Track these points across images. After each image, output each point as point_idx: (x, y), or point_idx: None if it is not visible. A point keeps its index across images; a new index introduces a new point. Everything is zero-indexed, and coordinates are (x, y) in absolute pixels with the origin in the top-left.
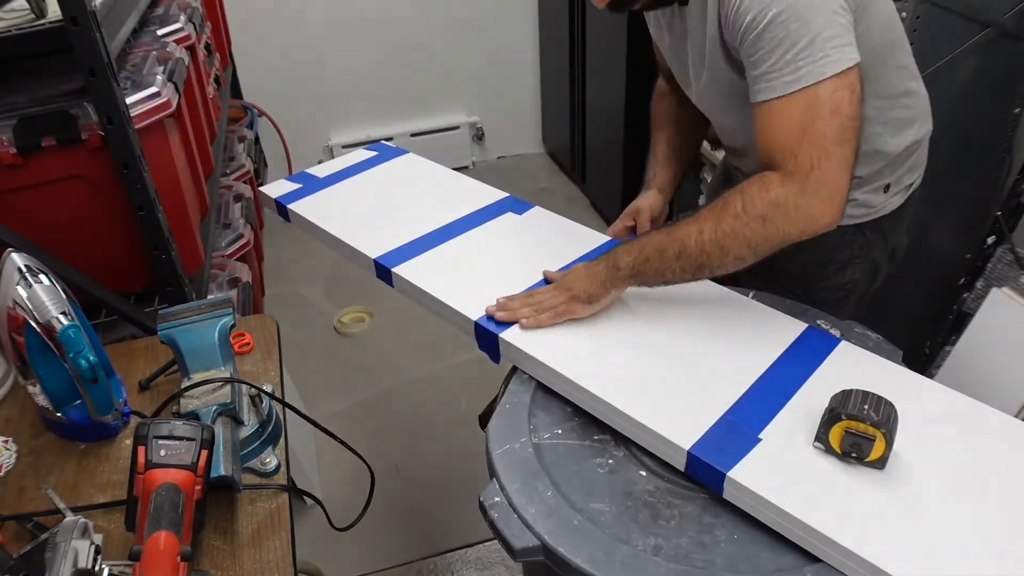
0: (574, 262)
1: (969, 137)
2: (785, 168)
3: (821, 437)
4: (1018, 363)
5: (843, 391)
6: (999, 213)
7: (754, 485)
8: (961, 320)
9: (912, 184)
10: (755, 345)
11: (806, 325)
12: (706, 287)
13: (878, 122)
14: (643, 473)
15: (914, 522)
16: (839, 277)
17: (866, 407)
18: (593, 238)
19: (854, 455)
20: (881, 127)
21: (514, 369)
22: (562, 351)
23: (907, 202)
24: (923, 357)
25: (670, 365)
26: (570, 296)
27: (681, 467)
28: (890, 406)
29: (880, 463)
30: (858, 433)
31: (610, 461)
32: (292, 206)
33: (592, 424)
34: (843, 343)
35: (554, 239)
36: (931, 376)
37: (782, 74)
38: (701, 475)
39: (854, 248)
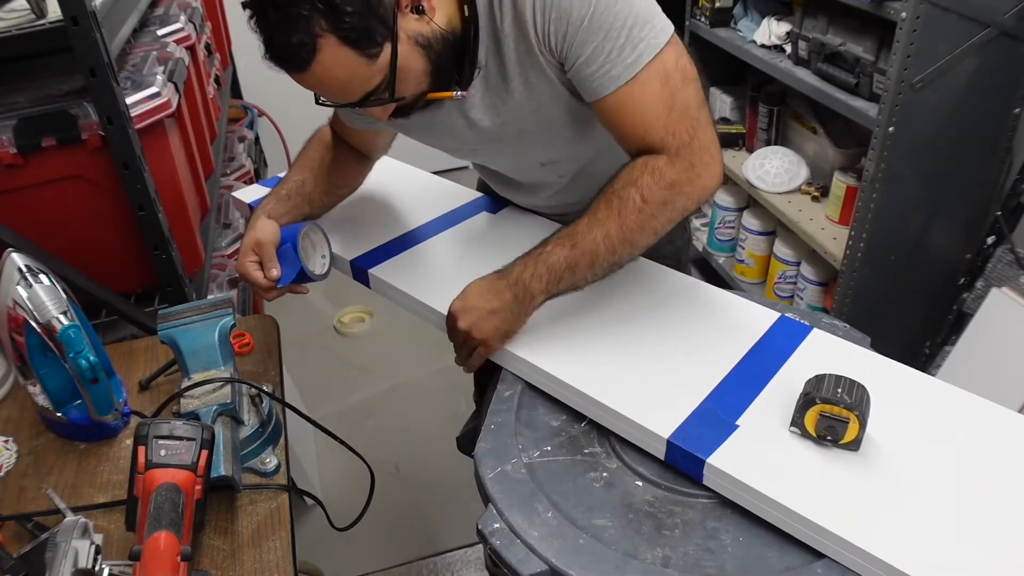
0: None
1: (969, 137)
2: (667, 149)
3: (797, 421)
4: (1018, 363)
5: (817, 376)
6: (999, 213)
7: (733, 470)
8: (961, 320)
9: None
10: (729, 335)
11: (779, 315)
12: (678, 280)
13: None
14: (639, 483)
15: (887, 500)
16: (670, 246)
17: (839, 390)
18: None
19: (829, 438)
20: None
21: (480, 396)
22: (543, 347)
23: None
24: (923, 357)
25: (647, 357)
26: (484, 341)
27: (661, 456)
28: (862, 389)
29: (854, 445)
30: (832, 416)
31: (604, 474)
32: None
33: (580, 438)
34: (815, 330)
35: (527, 236)
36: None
37: (621, 58)
38: (681, 463)
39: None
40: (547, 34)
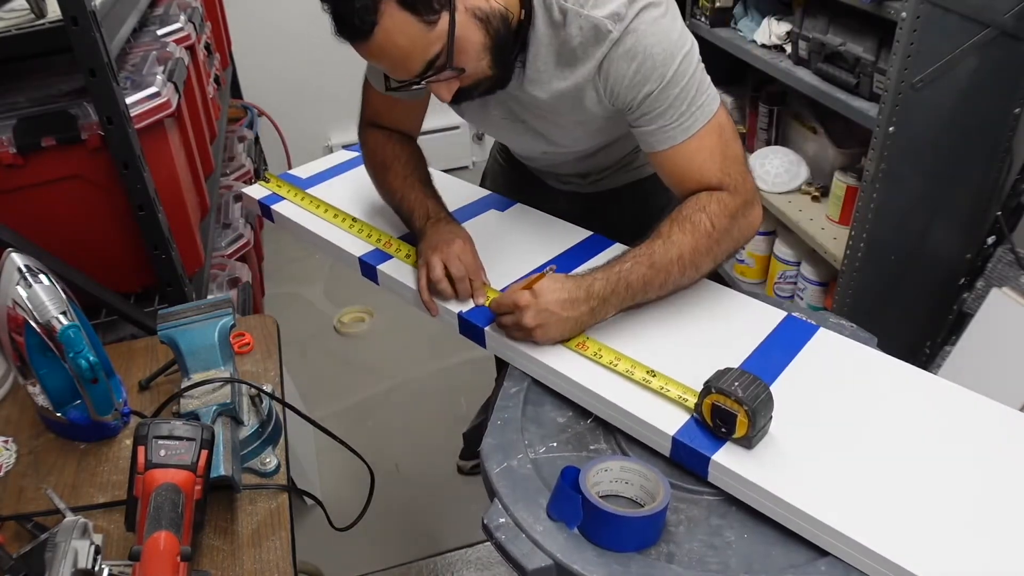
0: (555, 258)
1: (969, 137)
2: (725, 187)
3: (698, 407)
4: (1018, 363)
5: (725, 368)
6: (999, 213)
7: (738, 467)
8: (961, 320)
9: None
10: (736, 334)
11: (785, 314)
12: None
13: None
14: None
15: (890, 498)
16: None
17: (736, 384)
18: (574, 234)
19: (724, 429)
20: None
21: (496, 390)
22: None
23: None
24: (923, 357)
25: (654, 355)
26: (541, 341)
27: (666, 453)
28: (762, 388)
29: (745, 441)
30: (724, 408)
31: None
32: (276, 207)
33: (586, 434)
34: (821, 330)
35: (535, 235)
36: None
37: (680, 123)
38: (686, 460)
39: (669, 193)
40: (615, 96)
